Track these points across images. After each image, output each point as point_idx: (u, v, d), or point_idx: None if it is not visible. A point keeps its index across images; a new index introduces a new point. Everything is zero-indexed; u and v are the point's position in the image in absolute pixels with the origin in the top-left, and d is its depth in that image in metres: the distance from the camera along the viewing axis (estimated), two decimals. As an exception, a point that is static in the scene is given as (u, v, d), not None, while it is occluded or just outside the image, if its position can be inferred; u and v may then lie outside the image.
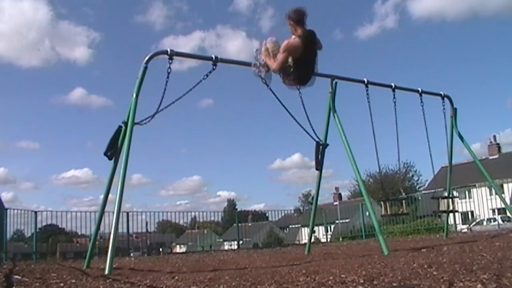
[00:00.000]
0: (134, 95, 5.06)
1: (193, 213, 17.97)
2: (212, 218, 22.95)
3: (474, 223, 19.63)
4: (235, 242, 16.08)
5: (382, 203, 7.26)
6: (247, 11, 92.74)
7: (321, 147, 6.56)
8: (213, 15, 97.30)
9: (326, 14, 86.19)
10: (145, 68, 5.11)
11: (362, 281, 2.89)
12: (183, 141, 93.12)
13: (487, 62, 70.11)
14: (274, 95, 5.89)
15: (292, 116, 6.11)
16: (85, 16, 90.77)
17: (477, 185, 18.30)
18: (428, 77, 68.27)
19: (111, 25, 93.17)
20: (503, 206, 9.31)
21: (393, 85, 6.99)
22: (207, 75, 5.60)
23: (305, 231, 19.21)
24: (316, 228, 15.60)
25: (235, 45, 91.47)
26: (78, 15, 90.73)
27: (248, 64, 5.90)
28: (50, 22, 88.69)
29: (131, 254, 13.06)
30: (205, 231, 27.14)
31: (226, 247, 23.23)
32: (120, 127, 5.29)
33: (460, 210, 12.87)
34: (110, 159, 5.37)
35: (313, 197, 7.82)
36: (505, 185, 18.16)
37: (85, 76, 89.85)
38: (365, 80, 6.69)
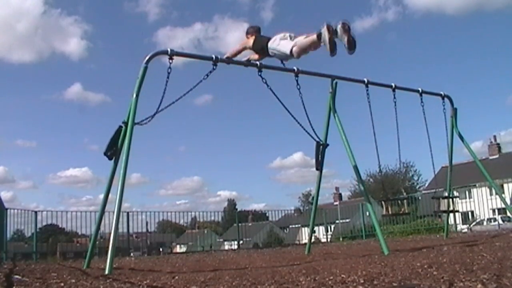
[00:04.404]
0: (135, 95, 5.06)
1: (193, 213, 18.00)
2: (212, 218, 22.92)
3: (474, 223, 19.60)
4: (235, 242, 16.08)
5: (383, 203, 7.27)
6: (247, 0, 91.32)
7: (321, 147, 6.56)
8: (211, 4, 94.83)
9: (323, 5, 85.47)
10: (146, 68, 5.10)
11: (362, 281, 2.89)
12: (181, 139, 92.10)
13: (490, 59, 69.62)
14: (274, 95, 5.88)
15: (293, 116, 6.10)
16: (75, 4, 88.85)
17: (477, 185, 18.27)
18: (428, 72, 67.70)
19: (104, 14, 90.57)
20: (503, 206, 9.31)
21: (393, 85, 6.99)
22: (207, 75, 5.59)
23: (305, 231, 19.24)
24: (316, 228, 15.59)
25: (235, 36, 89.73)
26: (68, 4, 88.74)
27: (247, 64, 5.90)
28: (40, 12, 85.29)
29: (131, 254, 13.06)
30: (205, 231, 27.14)
31: (226, 247, 23.22)
32: (120, 127, 5.28)
33: (460, 210, 12.92)
34: (110, 159, 5.37)
35: (313, 197, 7.82)
36: (505, 185, 18.10)
37: (80, 70, 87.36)
38: (366, 80, 6.69)
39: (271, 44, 5.38)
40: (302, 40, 5.06)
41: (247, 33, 5.80)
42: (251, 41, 5.63)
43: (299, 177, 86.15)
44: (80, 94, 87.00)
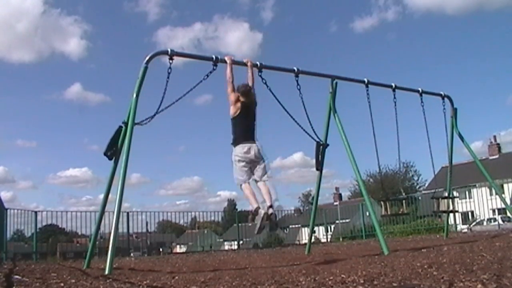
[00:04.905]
0: (135, 95, 5.06)
1: (193, 213, 18.02)
2: (212, 218, 22.91)
3: (474, 223, 19.60)
4: (235, 242, 16.09)
5: (382, 203, 7.28)
6: (247, 0, 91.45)
7: (321, 147, 6.56)
8: (211, 4, 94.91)
9: (322, 5, 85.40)
10: (146, 68, 5.10)
11: (362, 281, 2.89)
12: (181, 139, 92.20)
13: (490, 59, 69.50)
14: (274, 95, 5.87)
15: (292, 117, 6.08)
16: (75, 4, 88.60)
17: (477, 185, 18.31)
18: (428, 72, 67.55)
19: (103, 14, 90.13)
20: (503, 206, 9.32)
21: (393, 85, 6.99)
22: (207, 75, 5.59)
23: (305, 231, 19.20)
24: (316, 228, 15.58)
25: (235, 36, 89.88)
26: (68, 4, 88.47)
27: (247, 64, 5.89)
28: (40, 11, 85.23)
29: (131, 254, 13.06)
30: (205, 231, 27.14)
31: (226, 247, 23.23)
32: (120, 127, 5.28)
33: (460, 210, 12.89)
34: (110, 159, 5.37)
35: (313, 197, 7.82)
36: (505, 185, 18.13)
37: (80, 70, 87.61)
38: (366, 80, 6.69)
39: (233, 156, 5.09)
40: (245, 191, 5.06)
41: (237, 89, 5.27)
42: (232, 111, 5.19)
43: (299, 177, 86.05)
44: (80, 94, 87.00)
